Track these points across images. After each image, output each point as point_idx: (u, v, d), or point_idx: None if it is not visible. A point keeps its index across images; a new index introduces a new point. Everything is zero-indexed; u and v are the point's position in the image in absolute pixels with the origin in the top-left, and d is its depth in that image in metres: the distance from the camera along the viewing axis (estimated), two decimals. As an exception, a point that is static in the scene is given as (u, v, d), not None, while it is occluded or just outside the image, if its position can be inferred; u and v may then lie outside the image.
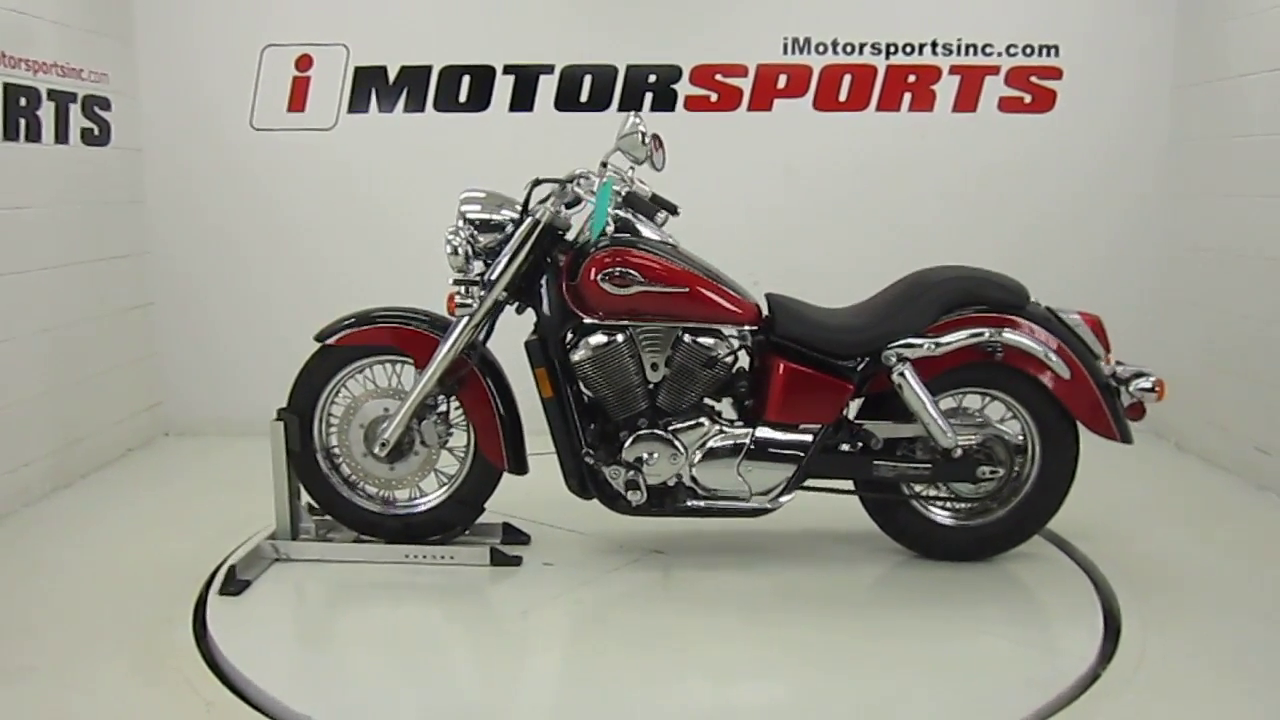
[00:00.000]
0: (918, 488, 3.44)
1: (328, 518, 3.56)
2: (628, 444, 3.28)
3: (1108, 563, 3.46)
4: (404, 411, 3.32)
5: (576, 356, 3.28)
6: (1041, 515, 3.46)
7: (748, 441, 3.30)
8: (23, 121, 4.09)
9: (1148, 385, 3.31)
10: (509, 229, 3.28)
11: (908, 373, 3.26)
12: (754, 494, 3.35)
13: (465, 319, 3.27)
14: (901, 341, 3.26)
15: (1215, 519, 4.04)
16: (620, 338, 3.26)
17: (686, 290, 3.25)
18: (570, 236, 3.40)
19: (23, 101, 4.09)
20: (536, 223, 3.24)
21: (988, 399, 3.49)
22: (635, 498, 3.30)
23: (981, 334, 3.27)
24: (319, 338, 3.42)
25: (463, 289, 3.27)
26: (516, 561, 3.43)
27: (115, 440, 4.79)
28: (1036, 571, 3.47)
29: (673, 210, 3.45)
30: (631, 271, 3.20)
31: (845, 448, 3.39)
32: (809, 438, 3.31)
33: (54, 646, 2.91)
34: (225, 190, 5.06)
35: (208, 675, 2.75)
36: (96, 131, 4.62)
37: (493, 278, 3.27)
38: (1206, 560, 3.58)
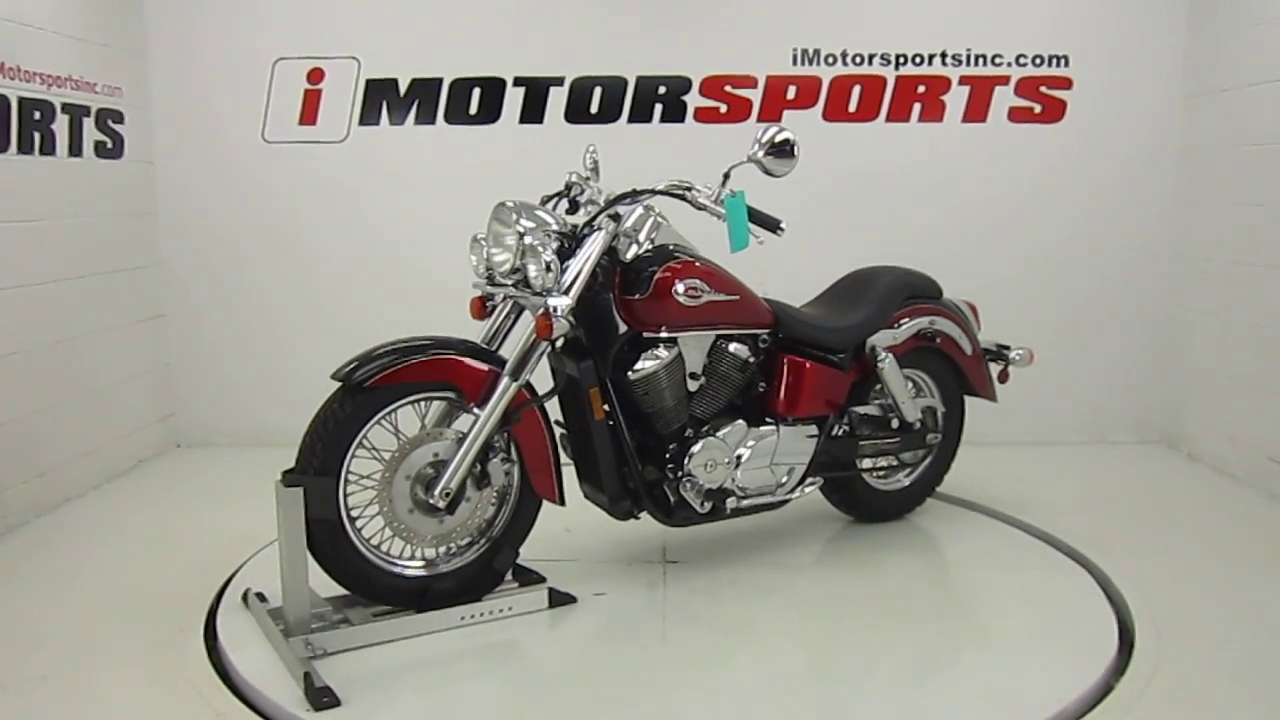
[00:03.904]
0: (867, 461, 3.81)
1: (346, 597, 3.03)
2: (692, 454, 3.27)
3: (1121, 573, 3.44)
4: (465, 453, 2.94)
5: (641, 372, 3.19)
6: (942, 472, 4.04)
7: (776, 438, 3.43)
8: (37, 135, 4.12)
9: (1017, 355, 4.02)
10: (565, 243, 3.09)
11: (890, 359, 3.67)
12: (778, 487, 3.51)
13: (545, 345, 3.00)
14: (880, 333, 3.68)
15: (1228, 529, 4.01)
16: (676, 349, 3.25)
17: (739, 298, 3.34)
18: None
19: (37, 115, 4.12)
20: (604, 235, 3.11)
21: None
22: (732, 504, 3.37)
23: (926, 322, 3.80)
24: (346, 377, 2.86)
25: (556, 309, 2.93)
26: (572, 599, 3.21)
27: (127, 451, 4.81)
28: (1049, 582, 3.46)
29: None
30: (703, 282, 3.22)
31: (838, 433, 3.67)
32: (818, 427, 3.55)
33: (66, 656, 2.92)
34: (236, 203, 5.09)
35: (219, 685, 2.75)
36: (109, 144, 4.65)
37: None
38: (1220, 571, 3.56)
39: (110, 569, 3.58)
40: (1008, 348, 4.04)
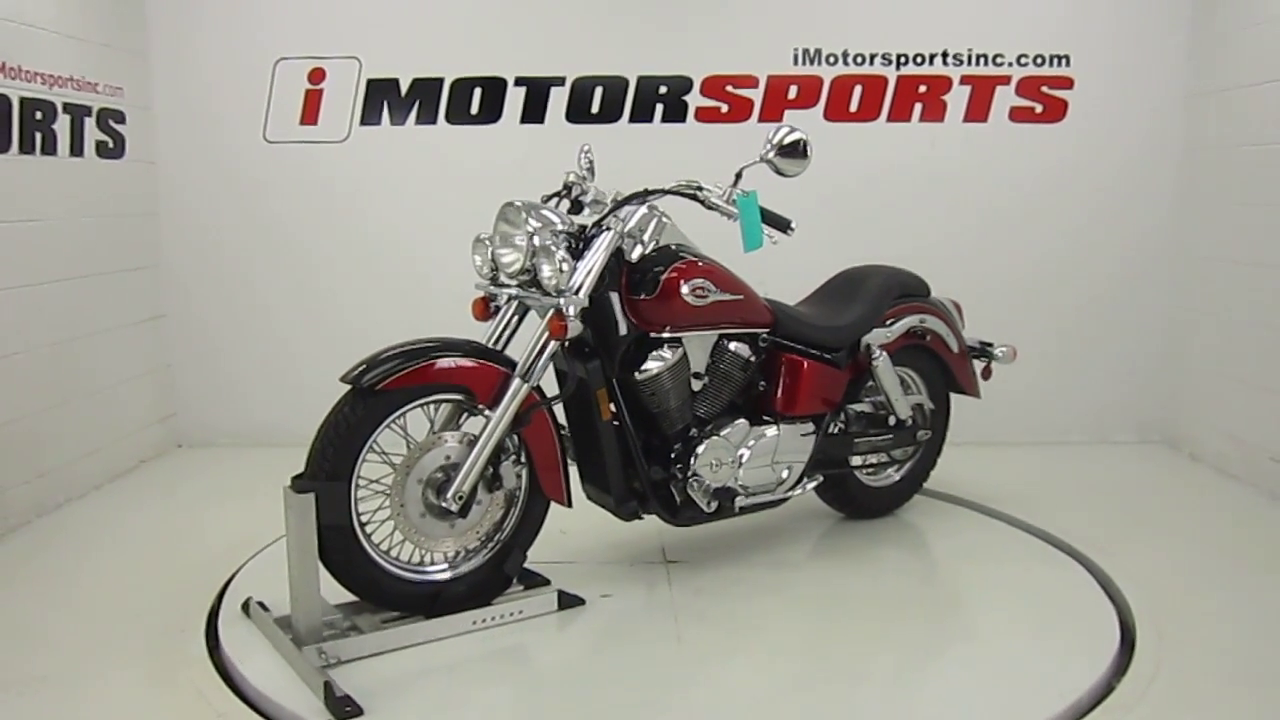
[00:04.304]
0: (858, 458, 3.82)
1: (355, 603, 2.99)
2: (697, 454, 3.28)
3: (1122, 573, 3.45)
4: (478, 456, 2.90)
5: (648, 372, 3.18)
6: (929, 468, 4.08)
7: (777, 436, 3.45)
8: (39, 135, 4.12)
9: (1001, 354, 4.09)
10: (573, 243, 3.07)
11: (884, 357, 3.71)
12: (778, 485, 3.52)
13: (555, 345, 2.99)
14: (874, 331, 3.71)
15: (1229, 529, 4.01)
16: (681, 349, 3.25)
17: (742, 298, 3.35)
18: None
19: (39, 115, 4.12)
20: (613, 235, 3.10)
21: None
22: (741, 502, 3.39)
23: (916, 320, 3.84)
24: (356, 380, 2.80)
25: (569, 309, 2.95)
26: (581, 601, 3.20)
27: (128, 451, 4.81)
28: (1051, 581, 3.46)
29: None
30: (709, 282, 3.23)
31: (834, 430, 3.70)
32: (815, 425, 3.58)
33: (67, 656, 2.92)
34: (238, 202, 5.09)
35: (220, 686, 2.75)
36: (111, 144, 4.65)
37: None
38: (1221, 571, 3.56)
39: (111, 569, 3.58)
40: (991, 345, 4.11)
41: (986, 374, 4.14)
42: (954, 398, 4.13)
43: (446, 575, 3.04)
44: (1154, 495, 4.47)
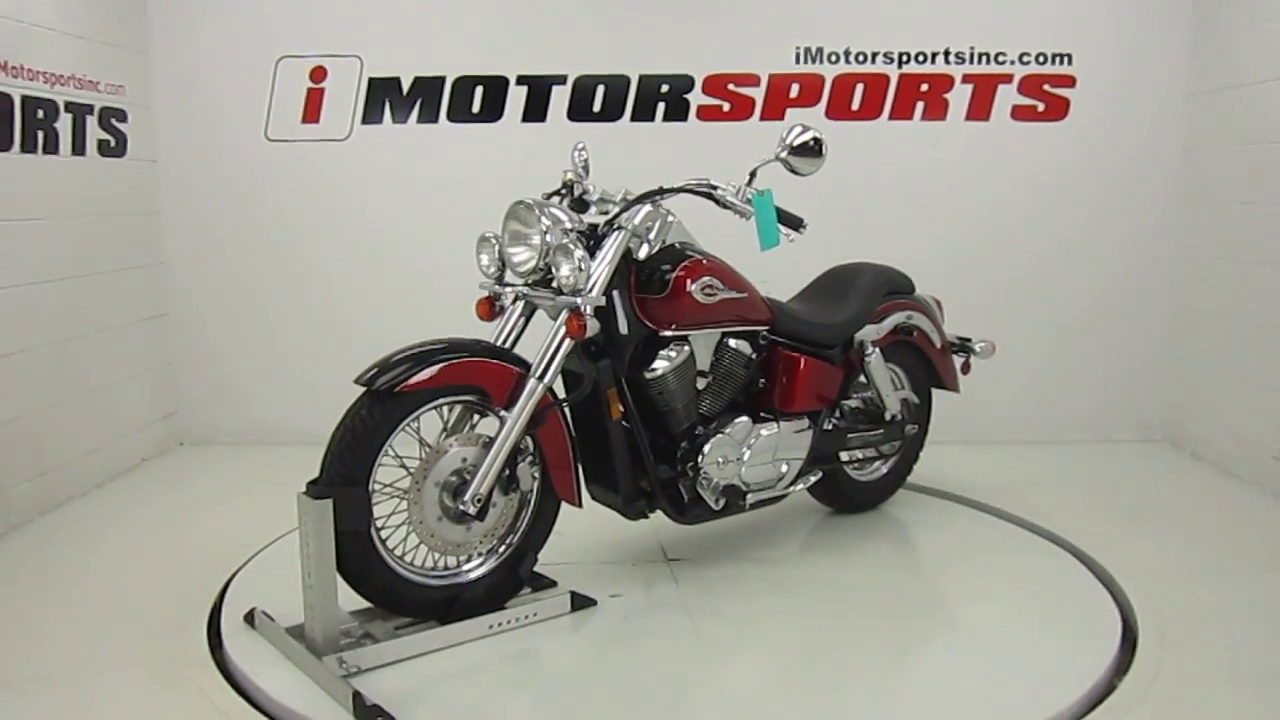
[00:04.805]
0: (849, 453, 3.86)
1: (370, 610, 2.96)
2: (704, 452, 3.28)
3: (1124, 572, 3.44)
4: (495, 457, 2.87)
5: (658, 370, 3.19)
6: (912, 463, 4.13)
7: (777, 433, 3.47)
8: (40, 133, 4.12)
9: (980, 349, 4.13)
10: (585, 242, 3.06)
11: (876, 354, 3.77)
12: (779, 481, 3.54)
13: (570, 345, 2.97)
14: (866, 328, 3.75)
15: (1231, 528, 4.01)
16: (688, 348, 3.25)
17: (746, 295, 3.36)
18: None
19: (40, 114, 4.12)
20: (625, 234, 3.10)
21: None
22: (751, 500, 3.43)
23: (904, 317, 3.89)
24: (371, 383, 2.75)
25: (588, 309, 2.95)
26: (593, 602, 3.18)
27: (130, 450, 4.81)
28: (1053, 580, 3.46)
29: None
30: (717, 280, 3.24)
31: (828, 426, 3.72)
32: (811, 421, 3.61)
33: (69, 655, 2.92)
34: (239, 201, 5.09)
35: (223, 685, 2.75)
36: (113, 143, 4.65)
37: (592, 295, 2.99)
38: (1223, 570, 3.56)
39: (113, 568, 3.58)
40: (970, 340, 4.16)
41: (966, 369, 4.18)
42: (947, 396, 4.14)
43: (464, 579, 3.00)
44: (1156, 493, 4.47)
